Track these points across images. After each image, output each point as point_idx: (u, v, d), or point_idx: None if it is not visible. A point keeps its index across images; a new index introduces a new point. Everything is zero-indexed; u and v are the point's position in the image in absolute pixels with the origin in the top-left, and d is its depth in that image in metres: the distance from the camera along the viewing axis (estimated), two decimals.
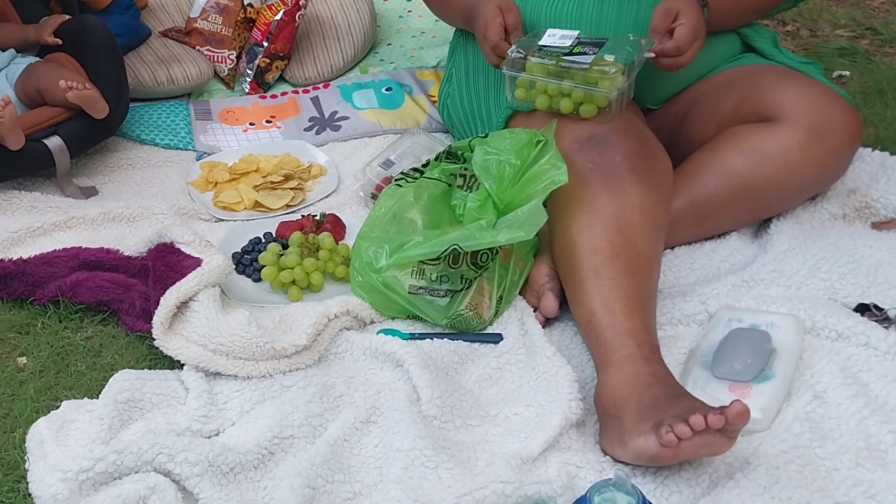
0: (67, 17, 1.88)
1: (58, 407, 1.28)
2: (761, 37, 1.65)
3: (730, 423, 1.09)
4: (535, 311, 1.42)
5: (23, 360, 1.41)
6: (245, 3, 2.11)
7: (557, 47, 1.45)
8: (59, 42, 1.84)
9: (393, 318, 1.43)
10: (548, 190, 1.35)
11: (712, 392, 1.24)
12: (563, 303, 1.40)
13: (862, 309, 1.38)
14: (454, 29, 1.81)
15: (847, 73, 2.08)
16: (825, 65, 2.04)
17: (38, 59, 1.86)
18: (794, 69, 1.59)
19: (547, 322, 1.41)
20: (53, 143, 1.72)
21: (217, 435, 1.24)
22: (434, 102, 1.97)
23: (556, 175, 1.35)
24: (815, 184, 1.53)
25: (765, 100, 1.49)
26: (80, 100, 1.68)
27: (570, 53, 1.43)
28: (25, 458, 1.22)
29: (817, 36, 2.27)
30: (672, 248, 1.53)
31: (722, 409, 1.09)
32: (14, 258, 1.54)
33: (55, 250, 1.55)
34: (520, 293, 1.45)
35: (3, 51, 1.85)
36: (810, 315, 1.35)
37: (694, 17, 1.43)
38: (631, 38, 1.45)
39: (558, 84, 1.43)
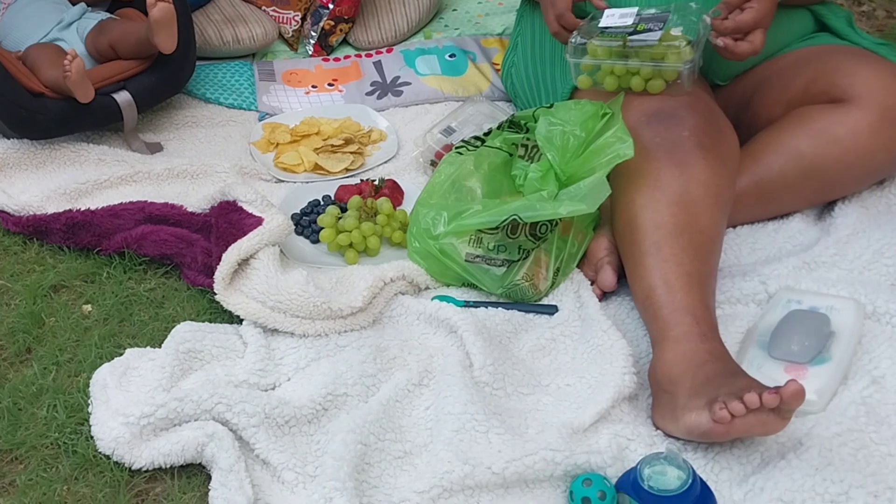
0: None
1: (121, 354, 1.32)
2: (835, 15, 1.61)
3: (784, 403, 1.08)
4: (592, 284, 1.42)
5: (88, 307, 1.45)
6: None
7: (620, 27, 1.42)
8: None
9: (448, 286, 1.44)
10: (612, 163, 1.34)
11: (768, 372, 1.24)
12: (621, 277, 1.40)
13: None
14: None
15: None
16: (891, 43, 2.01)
17: (108, 14, 1.89)
18: (869, 50, 1.55)
19: (604, 296, 1.41)
20: (122, 97, 1.75)
21: (273, 389, 1.27)
22: (498, 70, 1.96)
23: (622, 149, 1.34)
24: (884, 167, 1.50)
25: (836, 81, 1.46)
26: (163, 14, 1.68)
27: (635, 32, 1.41)
28: (89, 401, 1.26)
29: (894, 17, 2.20)
30: (734, 226, 1.51)
31: (777, 388, 1.09)
32: (82, 209, 1.58)
33: (122, 203, 1.59)
34: (577, 266, 1.45)
35: (74, 4, 1.88)
36: (871, 300, 1.32)
37: (765, 3, 1.39)
38: (694, 6, 1.42)
39: (625, 64, 1.41)
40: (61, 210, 1.58)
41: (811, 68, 1.51)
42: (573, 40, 1.44)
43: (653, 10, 1.43)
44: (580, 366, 1.29)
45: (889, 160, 1.48)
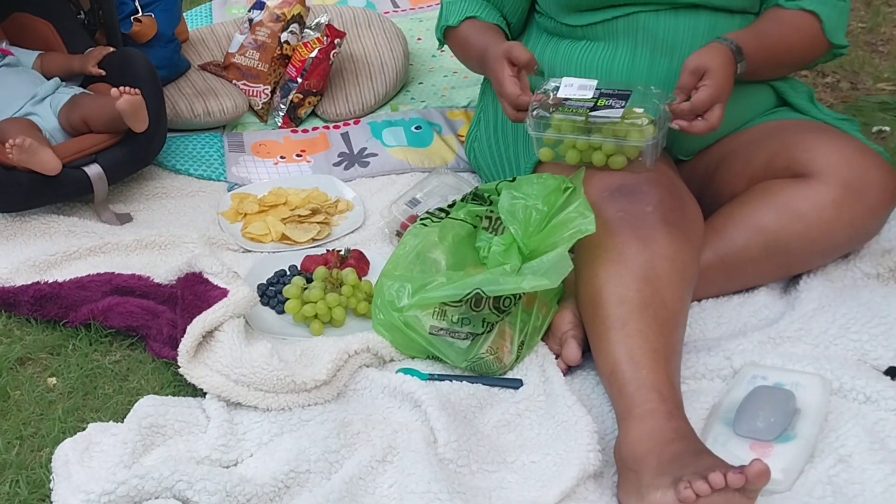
0: (112, 49, 1.96)
1: (84, 428, 1.32)
2: (796, 91, 1.64)
3: (749, 483, 1.07)
4: (556, 358, 1.42)
5: (52, 380, 1.45)
6: (282, 40, 2.17)
7: (580, 100, 1.44)
8: (103, 73, 1.90)
9: (413, 358, 1.45)
10: (574, 238, 1.36)
11: (733, 449, 1.23)
12: (586, 351, 1.40)
13: (892, 372, 1.35)
14: None
15: (888, 128, 2.02)
16: (865, 119, 2.01)
17: (81, 88, 1.93)
18: (830, 125, 1.57)
19: (569, 370, 1.41)
20: (93, 170, 1.77)
21: (235, 465, 1.27)
22: (463, 142, 2.00)
23: (584, 224, 1.35)
24: (848, 243, 1.50)
25: (798, 156, 1.47)
26: (130, 105, 1.72)
27: (596, 107, 1.43)
28: (51, 477, 1.25)
29: (858, 89, 2.22)
30: (699, 300, 1.50)
31: (742, 468, 1.08)
32: (50, 281, 1.59)
33: (89, 275, 1.60)
34: (542, 339, 1.46)
35: (49, 79, 1.91)
36: (837, 376, 1.32)
37: (720, 79, 1.41)
38: (654, 90, 1.45)
39: (587, 139, 1.43)
40: (29, 282, 1.59)
41: (773, 143, 1.52)
42: (534, 113, 1.46)
43: (614, 87, 1.46)
44: (545, 442, 1.28)
45: (852, 235, 1.48)
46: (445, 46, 1.79)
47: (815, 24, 1.54)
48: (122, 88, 1.73)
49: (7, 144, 1.66)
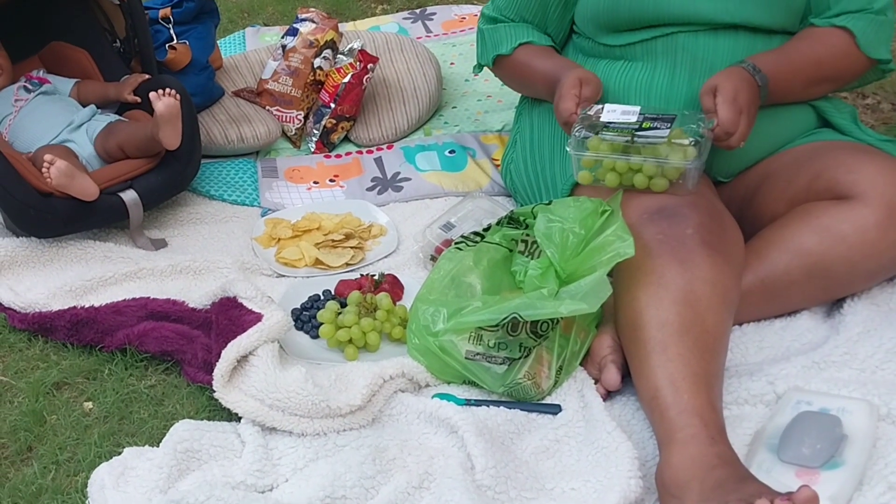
0: (147, 76, 1.98)
1: (120, 453, 1.32)
2: (839, 111, 1.62)
3: None
4: (596, 383, 1.40)
5: (89, 405, 1.45)
6: (315, 66, 2.18)
7: (624, 123, 1.44)
8: (139, 100, 1.92)
9: (448, 383, 1.44)
10: (612, 262, 1.34)
11: (778, 476, 1.20)
12: (626, 376, 1.38)
13: None
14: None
15: None
16: None
17: (117, 115, 1.95)
18: (873, 146, 1.55)
19: (608, 395, 1.39)
20: (128, 196, 1.79)
21: (271, 490, 1.26)
22: (497, 166, 2.00)
23: (622, 247, 1.34)
24: (893, 266, 1.47)
25: (840, 177, 1.45)
26: (168, 109, 1.73)
27: (641, 129, 1.43)
28: (87, 502, 1.25)
29: None
30: (740, 324, 1.48)
31: (789, 494, 1.06)
32: (86, 306, 1.60)
33: (125, 299, 1.61)
34: (581, 364, 1.44)
35: (85, 106, 1.94)
36: (885, 401, 1.29)
37: (730, 90, 1.42)
38: (697, 115, 1.45)
39: (627, 160, 1.42)
40: (66, 307, 1.60)
41: (814, 164, 1.50)
42: (576, 133, 1.45)
43: (657, 112, 1.46)
44: (585, 469, 1.27)
45: None
46: (479, 72, 1.79)
47: (847, 40, 1.53)
48: (161, 91, 1.74)
49: (43, 167, 1.68)
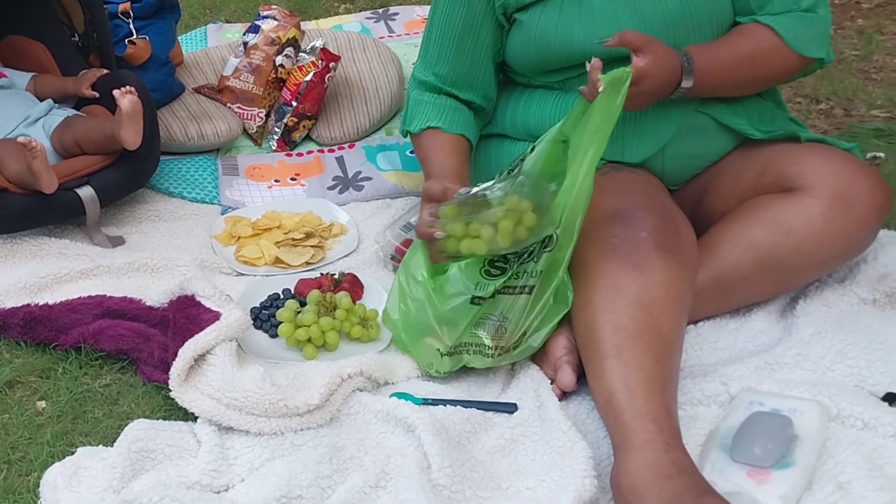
0: (106, 71, 1.96)
1: (73, 453, 1.31)
2: (779, 124, 1.62)
3: None
4: (552, 383, 1.41)
5: (42, 404, 1.43)
6: (277, 63, 2.17)
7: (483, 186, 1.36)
8: (97, 95, 1.90)
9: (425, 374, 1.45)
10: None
11: (730, 476, 1.21)
12: (581, 376, 1.39)
13: (890, 398, 1.34)
14: None
15: (882, 154, 2.02)
16: (860, 145, 2.03)
17: (74, 110, 1.92)
18: (815, 139, 1.57)
19: (564, 395, 1.40)
20: (85, 192, 1.77)
21: (226, 490, 1.26)
22: None
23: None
24: (841, 255, 1.49)
25: (785, 170, 1.47)
26: (133, 106, 1.72)
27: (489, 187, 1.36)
28: (39, 502, 1.24)
29: (852, 115, 2.23)
30: (695, 323, 1.50)
31: None
32: (41, 303, 1.57)
33: (80, 297, 1.59)
34: (536, 363, 1.45)
35: (42, 101, 1.91)
36: (835, 402, 1.31)
37: (655, 52, 1.42)
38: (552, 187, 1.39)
39: (458, 222, 1.34)
40: (20, 304, 1.58)
41: (760, 159, 1.53)
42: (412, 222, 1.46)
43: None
44: (540, 468, 1.27)
45: (844, 247, 1.48)
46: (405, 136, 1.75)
47: (773, 36, 1.53)
48: (124, 88, 1.72)
49: (28, 147, 1.65)
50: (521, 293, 1.38)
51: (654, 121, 1.55)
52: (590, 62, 1.39)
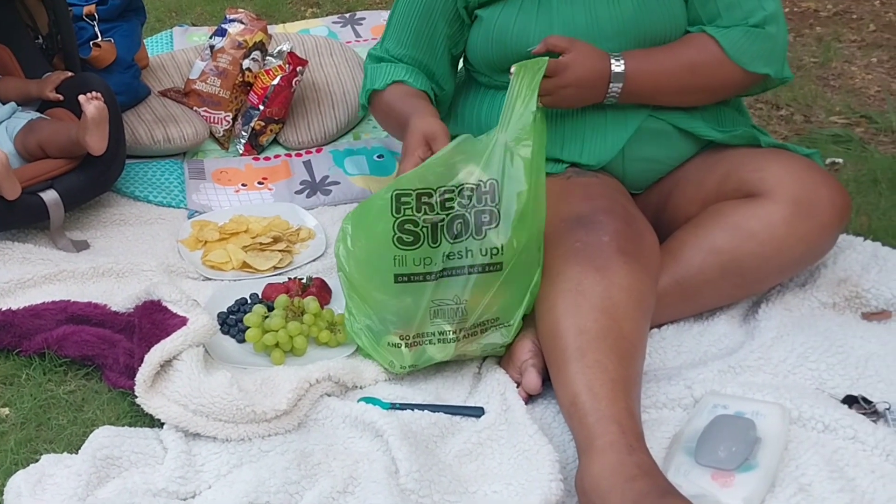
0: (70, 74, 1.94)
1: (37, 460, 1.29)
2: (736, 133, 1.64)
3: None
4: (517, 386, 1.41)
5: (5, 410, 1.42)
6: (243, 67, 2.16)
7: None
8: (61, 98, 1.88)
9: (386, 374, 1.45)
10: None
11: (695, 479, 1.22)
12: (546, 379, 1.40)
13: (850, 401, 1.36)
14: None
15: (841, 160, 2.05)
16: (819, 151, 2.05)
17: (38, 113, 1.90)
18: (776, 145, 1.59)
19: (529, 398, 1.41)
20: (49, 196, 1.75)
21: (193, 497, 1.25)
22: None
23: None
24: (802, 260, 1.51)
25: (747, 175, 1.49)
26: (99, 111, 1.71)
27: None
28: None
29: (811, 122, 2.26)
30: (659, 326, 1.51)
31: None
32: (3, 309, 1.56)
33: (44, 302, 1.57)
34: (502, 366, 1.45)
35: (5, 104, 1.89)
36: (797, 405, 1.33)
37: (575, 57, 1.47)
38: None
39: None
40: None
41: (723, 165, 1.54)
42: None
43: None
44: (507, 472, 1.28)
45: (805, 252, 1.50)
46: (364, 114, 1.79)
47: (716, 48, 1.54)
48: (89, 95, 1.71)
49: None
50: (472, 273, 1.38)
51: (612, 124, 1.57)
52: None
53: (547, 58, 1.45)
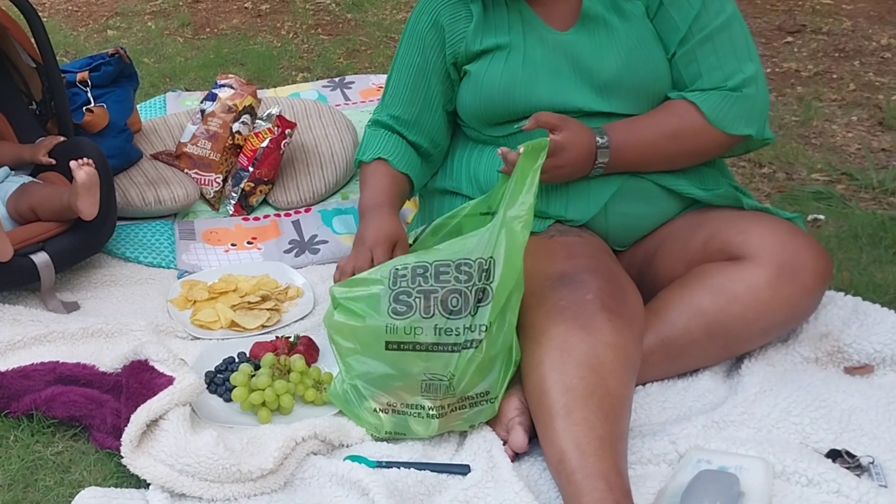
0: (63, 138, 1.97)
1: None
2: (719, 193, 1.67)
3: None
4: (504, 444, 1.41)
5: None
6: (233, 130, 2.21)
7: None
8: (54, 162, 1.91)
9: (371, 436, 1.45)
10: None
11: None
12: (533, 437, 1.40)
13: (834, 455, 1.37)
14: None
15: (822, 216, 2.08)
16: (801, 208, 2.07)
17: (31, 177, 1.93)
18: (759, 209, 1.62)
19: (516, 456, 1.41)
20: (40, 258, 1.77)
21: None
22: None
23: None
24: (785, 322, 1.53)
25: (731, 238, 1.51)
26: (89, 177, 1.74)
27: None
28: None
29: (793, 179, 2.29)
30: (644, 384, 1.52)
31: None
32: None
33: (33, 364, 1.58)
34: (489, 424, 1.45)
35: None
36: (780, 459, 1.33)
37: (569, 137, 1.51)
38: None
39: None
40: None
41: (707, 226, 1.56)
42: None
43: None
44: None
45: (788, 315, 1.51)
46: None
47: (697, 113, 1.58)
48: (80, 161, 1.74)
49: None
50: (467, 348, 1.40)
51: (595, 181, 1.60)
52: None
53: (548, 139, 1.49)
